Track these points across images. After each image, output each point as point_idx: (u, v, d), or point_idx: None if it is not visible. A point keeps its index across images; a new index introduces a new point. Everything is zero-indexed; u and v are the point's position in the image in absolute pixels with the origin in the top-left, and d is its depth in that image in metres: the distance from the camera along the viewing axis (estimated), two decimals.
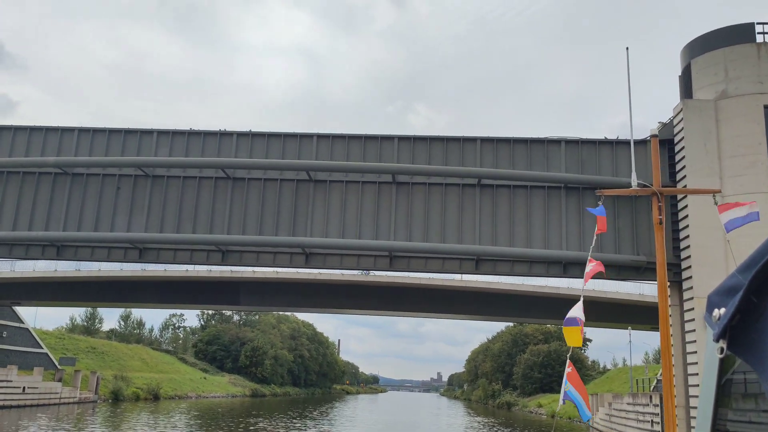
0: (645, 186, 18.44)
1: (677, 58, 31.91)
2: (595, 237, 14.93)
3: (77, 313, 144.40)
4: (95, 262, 51.52)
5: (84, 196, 32.81)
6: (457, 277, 49.82)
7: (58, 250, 32.58)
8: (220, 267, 53.16)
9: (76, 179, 33.09)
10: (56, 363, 75.39)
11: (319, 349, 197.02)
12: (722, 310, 2.75)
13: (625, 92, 26.21)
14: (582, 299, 11.45)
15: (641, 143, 31.30)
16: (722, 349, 2.77)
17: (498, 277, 49.10)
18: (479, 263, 30.80)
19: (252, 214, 32.06)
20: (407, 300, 52.50)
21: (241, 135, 33.10)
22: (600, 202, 14.00)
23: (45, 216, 32.50)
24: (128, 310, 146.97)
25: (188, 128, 33.38)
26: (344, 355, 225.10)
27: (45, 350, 73.04)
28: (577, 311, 11.30)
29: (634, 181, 20.07)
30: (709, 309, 2.91)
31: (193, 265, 53.98)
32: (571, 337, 11.26)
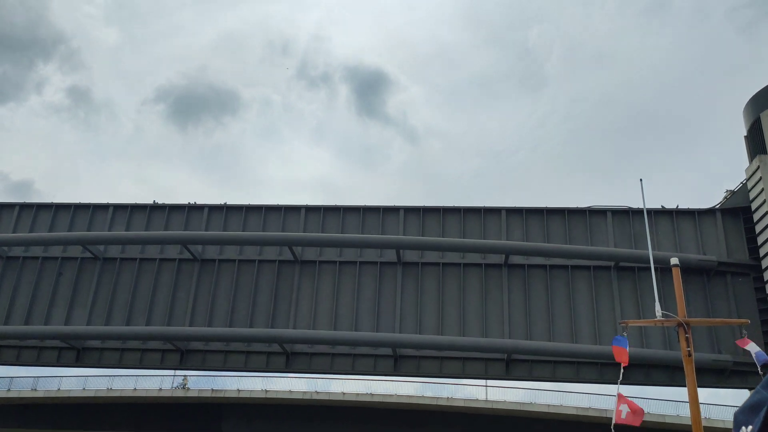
0: (669, 316, 14.31)
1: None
2: (621, 370, 13.30)
3: None
4: (50, 376, 44.20)
5: (18, 283, 26.53)
6: (481, 395, 41.80)
7: None
8: (199, 386, 45.68)
9: (11, 263, 26.97)
10: None
11: None
12: (749, 428, 2.77)
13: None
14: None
15: (707, 213, 25.09)
16: None
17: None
18: (511, 365, 23.66)
19: (221, 303, 25.49)
20: (424, 425, 43.84)
21: (213, 208, 27.24)
22: (625, 333, 13.17)
23: None
24: None
25: (150, 201, 27.64)
26: None
27: None
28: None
29: (658, 311, 15.28)
30: (736, 427, 2.90)
31: (168, 382, 46.41)
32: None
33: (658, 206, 25.29)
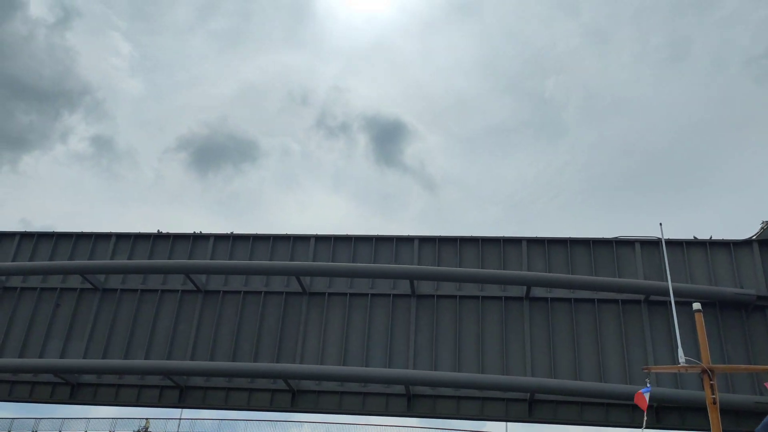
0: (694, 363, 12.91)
1: None
2: (645, 417, 13.48)
3: None
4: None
5: (14, 314, 25.33)
6: None
7: None
8: (205, 429, 43.82)
9: (8, 294, 25.83)
10: None
11: None
12: None
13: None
14: None
15: (744, 245, 23.47)
16: None
17: None
18: (534, 406, 21.85)
19: (224, 337, 24.05)
20: None
21: (219, 238, 26.07)
22: (647, 380, 13.27)
23: None
24: None
25: (155, 231, 26.53)
26: None
27: None
28: None
29: (681, 357, 14.39)
30: None
31: (173, 426, 44.64)
32: None
33: (690, 237, 23.70)
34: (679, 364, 15.07)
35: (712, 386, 12.09)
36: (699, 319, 13.24)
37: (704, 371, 11.71)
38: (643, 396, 13.41)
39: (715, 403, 11.57)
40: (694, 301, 22.26)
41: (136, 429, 42.03)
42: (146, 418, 42.80)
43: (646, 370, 13.93)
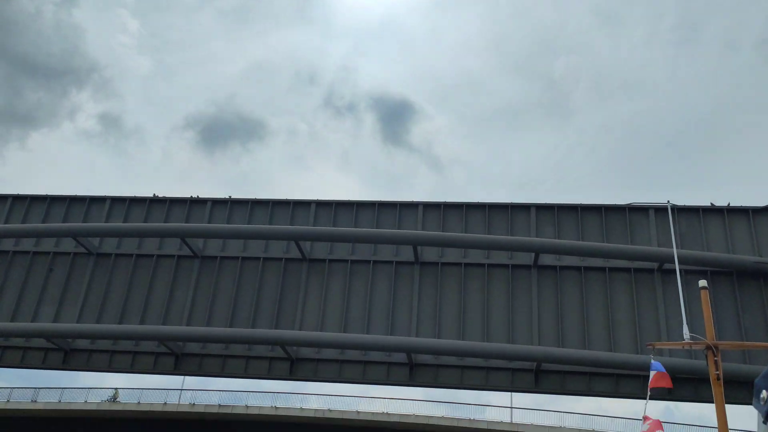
0: (699, 339, 13.04)
1: None
2: (648, 392, 12.90)
3: None
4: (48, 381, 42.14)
5: (6, 279, 24.64)
6: (506, 418, 38.81)
7: None
8: (205, 401, 43.37)
9: (0, 258, 25.12)
10: None
11: None
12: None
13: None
14: None
15: (763, 212, 22.44)
16: None
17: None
18: (540, 376, 21.04)
19: (222, 304, 23.29)
20: None
21: (217, 203, 25.23)
22: (652, 356, 12.97)
23: None
24: None
25: (150, 195, 25.69)
26: None
27: None
28: None
29: (686, 334, 14.82)
30: (757, 394, 3.21)
31: (174, 397, 44.20)
32: None
33: (707, 204, 22.68)
34: (684, 340, 14.67)
35: (716, 362, 12.13)
36: (705, 296, 13.09)
37: (708, 347, 11.75)
38: (662, 374, 13.08)
39: (719, 379, 11.57)
40: (710, 269, 21.49)
41: (106, 398, 41.55)
42: (142, 389, 42.37)
43: (650, 346, 13.74)
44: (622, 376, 20.71)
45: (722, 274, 21.40)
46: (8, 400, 42.50)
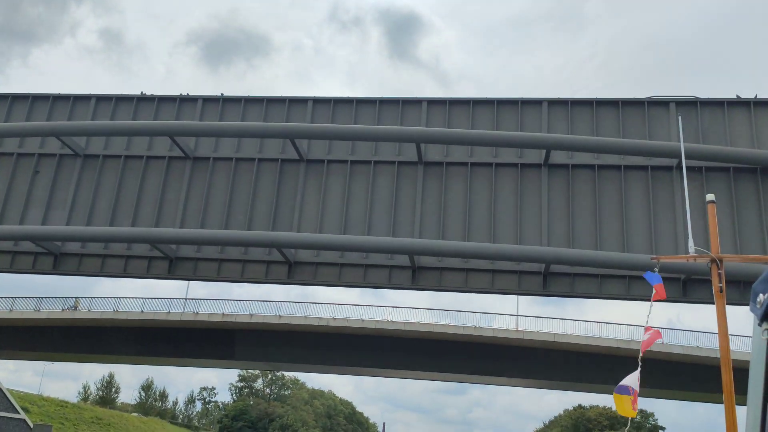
0: (704, 252, 12.45)
1: None
2: (650, 305, 12.03)
3: (92, 380, 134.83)
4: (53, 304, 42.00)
5: None
6: (511, 326, 38.68)
7: None
8: (209, 309, 43.24)
9: None
10: None
11: (357, 430, 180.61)
12: (766, 295, 2.99)
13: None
14: (640, 367, 10.44)
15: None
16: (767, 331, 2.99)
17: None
18: (549, 279, 20.14)
19: (215, 207, 22.25)
20: (448, 356, 40.97)
21: (209, 101, 23.77)
22: (656, 270, 12.54)
23: None
24: (149, 378, 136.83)
25: (138, 92, 24.21)
26: None
27: (22, 416, 62.91)
28: (631, 380, 10.42)
29: (691, 247, 12.98)
30: (753, 297, 3.14)
31: (177, 306, 44.11)
32: (622, 407, 10.36)
33: (733, 96, 21.08)
34: (689, 253, 14.14)
35: (720, 275, 11.91)
36: (711, 210, 12.45)
37: (713, 261, 11.60)
38: (658, 286, 12.77)
39: (721, 291, 11.27)
40: (733, 166, 20.17)
41: (66, 307, 41.37)
42: (76, 298, 42.05)
43: (654, 260, 13.47)
44: (634, 278, 19.78)
45: (746, 170, 20.10)
46: (11, 310, 42.61)
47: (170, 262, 21.96)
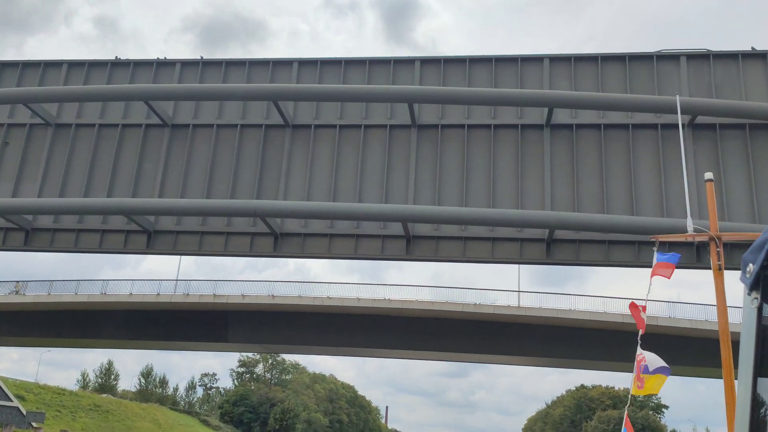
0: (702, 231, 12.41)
1: None
2: (650, 282, 11.98)
3: (91, 368, 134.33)
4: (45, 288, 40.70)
5: None
6: (512, 303, 37.47)
7: None
8: (200, 291, 41.96)
9: None
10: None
11: (360, 414, 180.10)
12: (756, 264, 2.91)
13: None
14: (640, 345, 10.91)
15: None
16: (757, 299, 2.95)
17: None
18: (552, 246, 18.83)
19: (196, 178, 20.88)
20: (447, 335, 39.79)
21: (187, 64, 22.30)
22: (655, 249, 12.37)
23: None
24: (149, 365, 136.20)
25: (113, 57, 22.74)
26: (393, 424, 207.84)
27: (15, 403, 61.99)
28: (658, 359, 10.81)
29: (690, 225, 13.01)
30: (744, 267, 3.07)
31: (167, 287, 42.84)
32: (653, 386, 10.82)
33: (748, 48, 19.66)
34: (687, 232, 13.12)
35: (719, 253, 12.11)
36: (710, 188, 12.30)
37: (711, 239, 11.75)
38: (667, 264, 12.59)
39: (720, 269, 11.30)
40: (749, 122, 18.81)
41: (9, 291, 40.21)
42: (16, 282, 40.76)
43: (653, 239, 13.39)
44: (643, 243, 18.45)
45: (762, 127, 18.74)
46: None
47: (149, 236, 20.61)
